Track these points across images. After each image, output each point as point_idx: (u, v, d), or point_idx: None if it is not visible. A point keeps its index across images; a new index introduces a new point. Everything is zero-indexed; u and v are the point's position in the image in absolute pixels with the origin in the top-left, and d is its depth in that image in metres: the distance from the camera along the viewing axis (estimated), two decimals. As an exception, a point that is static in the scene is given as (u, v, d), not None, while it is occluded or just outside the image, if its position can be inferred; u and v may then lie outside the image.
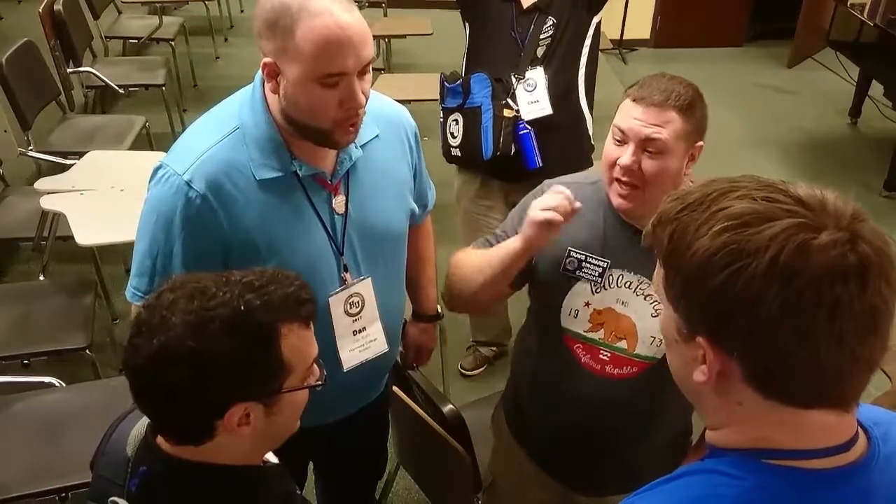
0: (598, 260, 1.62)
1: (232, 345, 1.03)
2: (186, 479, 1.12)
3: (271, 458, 1.29)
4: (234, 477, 1.14)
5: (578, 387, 1.66)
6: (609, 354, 1.63)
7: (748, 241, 0.77)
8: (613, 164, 1.54)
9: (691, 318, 0.83)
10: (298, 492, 1.27)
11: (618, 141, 1.54)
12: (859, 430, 0.87)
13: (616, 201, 1.57)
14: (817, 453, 0.83)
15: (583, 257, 1.63)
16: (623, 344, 1.62)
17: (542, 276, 1.68)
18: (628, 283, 1.61)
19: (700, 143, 1.55)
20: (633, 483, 1.76)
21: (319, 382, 1.17)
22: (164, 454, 1.13)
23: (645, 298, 1.60)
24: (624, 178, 1.53)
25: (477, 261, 1.70)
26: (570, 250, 1.64)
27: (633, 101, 1.51)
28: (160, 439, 1.14)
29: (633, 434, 1.72)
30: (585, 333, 1.64)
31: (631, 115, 1.51)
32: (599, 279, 1.62)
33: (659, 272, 0.88)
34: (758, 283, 0.76)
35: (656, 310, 1.59)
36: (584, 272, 1.63)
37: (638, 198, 1.54)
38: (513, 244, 1.59)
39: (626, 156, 1.51)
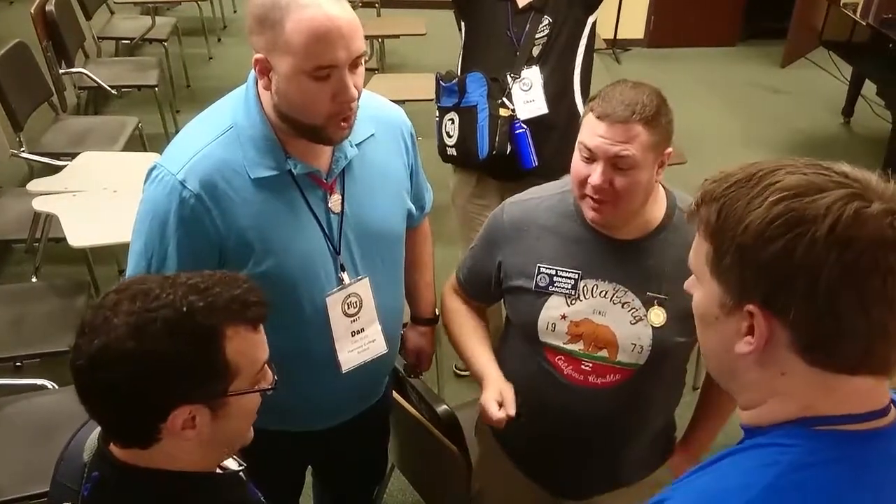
0: (569, 272, 1.61)
1: (172, 346, 1.03)
2: (135, 484, 1.11)
3: (231, 465, 1.27)
4: (184, 483, 1.13)
5: (562, 398, 1.65)
6: (591, 364, 1.61)
7: (805, 209, 0.81)
8: (584, 182, 1.52)
9: (744, 286, 0.86)
10: (261, 499, 1.26)
11: (585, 158, 1.52)
12: None
13: (590, 215, 1.56)
14: (859, 418, 0.87)
15: (553, 272, 1.62)
16: (604, 353, 1.61)
17: (516, 294, 1.67)
18: (603, 293, 1.60)
19: (669, 149, 1.53)
20: (618, 483, 1.78)
21: (269, 387, 1.15)
22: (114, 459, 1.12)
23: (623, 306, 1.59)
24: (596, 196, 1.51)
25: (458, 334, 1.82)
26: (539, 266, 1.63)
27: (598, 117, 1.48)
28: (112, 445, 1.13)
29: (619, 438, 1.71)
30: (565, 346, 1.62)
31: (596, 133, 1.49)
32: (573, 291, 1.60)
33: (700, 250, 0.91)
34: (818, 248, 0.80)
35: (634, 317, 1.58)
36: (557, 286, 1.61)
37: (610, 211, 1.53)
38: (476, 368, 1.73)
39: (596, 175, 1.49)
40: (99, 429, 1.18)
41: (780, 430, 0.88)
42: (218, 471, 1.21)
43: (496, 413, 1.61)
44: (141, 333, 1.02)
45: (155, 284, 1.07)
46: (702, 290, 0.93)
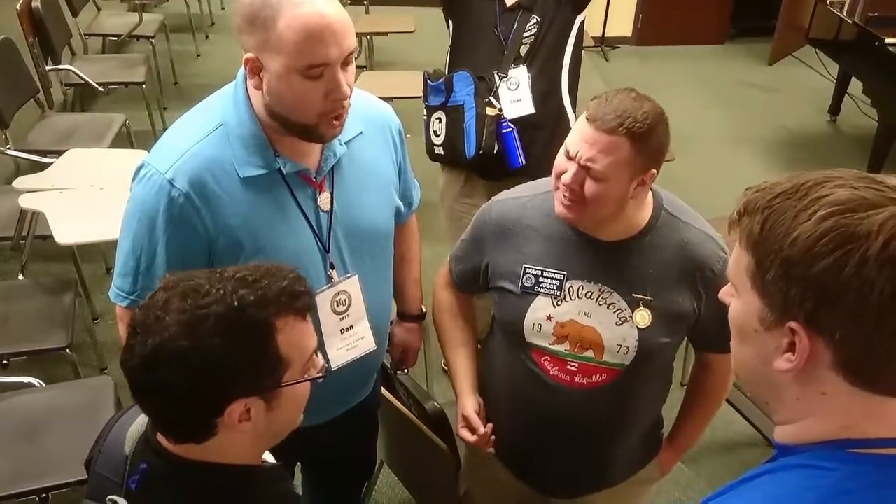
0: (555, 273, 1.61)
1: (227, 341, 1.02)
2: (187, 477, 1.12)
3: (269, 458, 1.28)
4: (235, 476, 1.14)
5: (549, 399, 1.65)
6: (577, 365, 1.62)
7: (857, 225, 0.78)
8: (559, 177, 1.53)
9: (788, 302, 0.82)
10: (298, 493, 1.27)
11: (566, 154, 1.52)
12: None
13: (558, 208, 1.56)
14: None
15: (539, 272, 1.62)
16: (590, 353, 1.61)
17: (502, 295, 1.67)
18: (589, 294, 1.60)
19: (653, 171, 1.50)
20: (606, 481, 1.80)
21: (321, 374, 1.16)
22: (165, 452, 1.12)
23: (608, 307, 1.59)
24: (566, 193, 1.52)
25: (443, 342, 1.87)
26: (525, 267, 1.63)
27: (587, 118, 1.47)
28: (161, 437, 1.13)
29: (607, 437, 1.72)
30: (551, 346, 1.63)
31: (580, 136, 1.48)
32: (559, 292, 1.61)
33: (741, 261, 0.88)
34: (868, 267, 0.77)
35: (620, 318, 1.59)
36: (542, 287, 1.62)
37: (579, 211, 1.53)
38: (453, 382, 1.79)
39: (568, 174, 1.50)
40: (139, 420, 1.18)
41: (818, 450, 0.85)
42: (262, 463, 1.22)
43: (470, 438, 1.70)
44: (194, 331, 1.02)
45: (204, 280, 1.07)
46: (740, 301, 0.89)
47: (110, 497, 1.12)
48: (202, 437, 1.09)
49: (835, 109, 5.93)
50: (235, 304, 1.04)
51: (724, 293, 0.94)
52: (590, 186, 1.48)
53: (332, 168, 1.58)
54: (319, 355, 1.17)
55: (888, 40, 4.63)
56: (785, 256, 0.81)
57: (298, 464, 2.04)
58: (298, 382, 1.12)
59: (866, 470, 0.83)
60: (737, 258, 0.89)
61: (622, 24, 7.31)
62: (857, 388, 0.82)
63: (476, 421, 1.70)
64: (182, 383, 1.03)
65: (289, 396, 1.11)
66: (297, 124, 1.45)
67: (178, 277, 1.09)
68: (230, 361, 1.03)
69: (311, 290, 1.13)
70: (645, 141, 1.44)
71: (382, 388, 2.06)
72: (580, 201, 1.50)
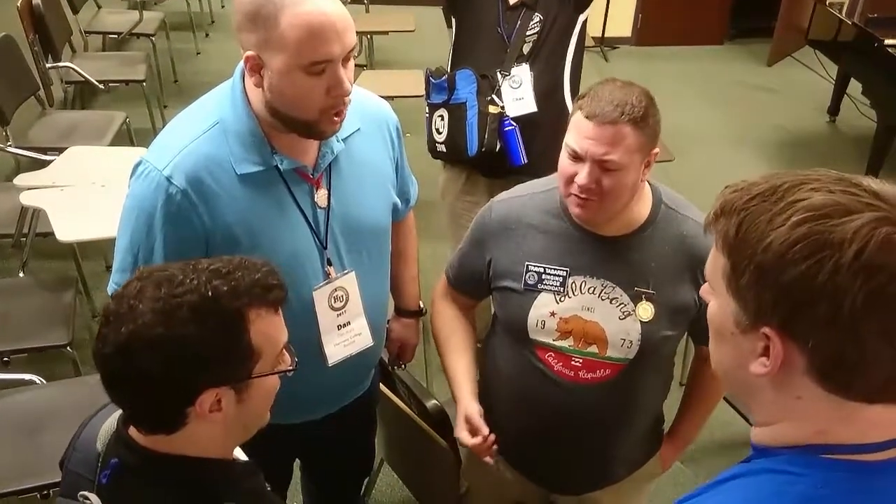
0: (558, 269, 1.62)
1: (200, 330, 1.04)
2: (157, 469, 1.12)
3: (240, 455, 1.29)
4: (205, 469, 1.14)
5: (553, 394, 1.66)
6: (581, 360, 1.63)
7: (831, 232, 0.77)
8: (570, 181, 1.53)
9: (761, 308, 0.82)
10: (268, 488, 1.28)
11: (572, 157, 1.52)
12: None
13: (575, 212, 1.57)
14: (876, 447, 0.83)
15: (542, 269, 1.63)
16: (594, 349, 1.62)
17: (504, 294, 1.68)
18: (591, 289, 1.61)
19: (656, 150, 1.54)
20: (609, 478, 1.80)
21: (290, 368, 1.18)
22: (135, 445, 1.13)
23: (611, 302, 1.60)
24: (583, 196, 1.52)
25: (442, 354, 1.84)
26: (528, 264, 1.64)
27: (586, 117, 1.48)
28: (133, 431, 1.14)
29: (610, 433, 1.72)
30: (554, 342, 1.63)
31: (583, 135, 1.49)
32: (562, 288, 1.61)
33: (717, 263, 0.87)
34: (841, 275, 0.76)
35: (623, 312, 1.60)
36: (545, 284, 1.62)
37: (595, 209, 1.54)
38: (455, 388, 1.76)
39: (582, 175, 1.50)
40: (112, 418, 1.19)
41: (792, 453, 0.85)
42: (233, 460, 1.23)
43: (470, 441, 1.68)
44: (169, 319, 1.03)
45: (177, 270, 1.08)
46: (717, 302, 0.89)
47: (82, 493, 1.13)
48: (173, 428, 1.10)
49: (834, 110, 5.93)
50: (209, 293, 1.05)
51: (704, 291, 0.93)
52: (607, 180, 1.49)
53: (330, 165, 1.58)
54: (289, 351, 1.18)
55: (887, 41, 4.63)
56: (758, 262, 0.81)
57: (298, 461, 2.05)
58: (268, 375, 1.13)
59: (838, 477, 0.82)
60: (713, 259, 0.88)
61: (622, 24, 7.31)
62: (831, 394, 0.82)
63: (480, 422, 1.69)
64: (155, 371, 1.03)
65: (259, 389, 1.12)
66: (298, 121, 1.46)
67: (152, 269, 1.11)
68: (203, 350, 1.05)
69: (282, 283, 1.14)
70: (644, 123, 1.48)
71: (383, 386, 2.07)
72: (598, 198, 1.51)
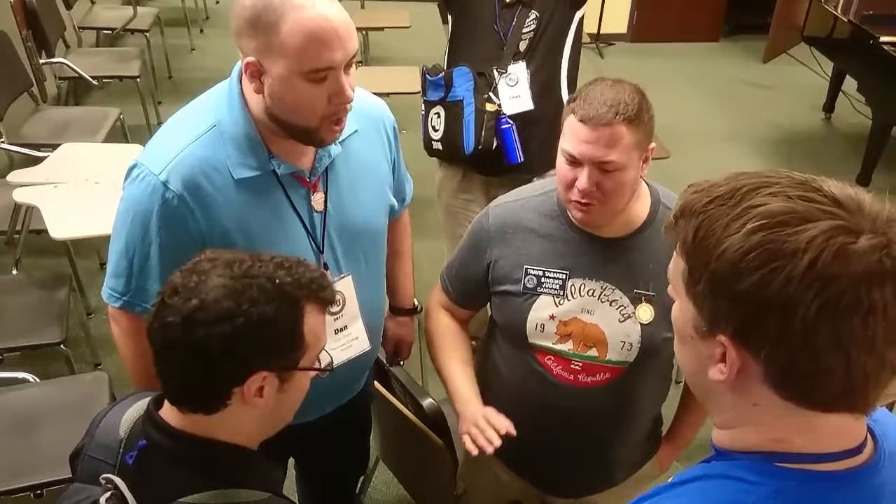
0: (557, 272, 1.61)
1: (266, 311, 1.08)
2: (187, 451, 1.14)
3: None
4: (234, 454, 1.16)
5: (553, 399, 1.65)
6: (581, 364, 1.62)
7: (785, 241, 0.76)
8: (570, 186, 1.51)
9: (716, 315, 0.81)
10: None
11: (570, 162, 1.51)
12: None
13: (577, 216, 1.56)
14: (832, 457, 0.83)
15: (541, 273, 1.62)
16: (594, 352, 1.61)
17: (504, 297, 1.67)
18: (591, 291, 1.60)
19: (652, 145, 1.53)
20: (608, 481, 1.79)
21: (329, 367, 1.23)
22: (166, 425, 1.15)
23: (611, 304, 1.59)
24: (584, 200, 1.51)
25: (439, 366, 1.80)
26: (526, 268, 1.63)
27: (581, 120, 1.46)
28: (164, 412, 1.16)
29: (609, 436, 1.72)
30: (554, 346, 1.63)
31: (579, 139, 1.47)
32: (561, 291, 1.61)
33: (678, 266, 0.86)
34: (794, 285, 0.75)
35: (623, 314, 1.59)
36: (545, 287, 1.61)
37: (597, 211, 1.53)
38: (455, 394, 1.71)
39: (583, 179, 1.48)
40: (134, 408, 1.22)
41: (749, 459, 0.85)
42: None
43: (473, 448, 1.61)
44: (238, 296, 1.08)
45: (245, 256, 1.14)
46: (678, 305, 0.89)
47: (104, 476, 1.13)
48: (215, 408, 1.12)
49: (829, 107, 5.94)
50: (276, 280, 1.11)
51: (669, 290, 0.92)
52: (608, 181, 1.48)
53: (327, 168, 1.57)
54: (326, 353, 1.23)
55: (882, 38, 4.64)
56: (713, 270, 0.80)
57: (292, 459, 2.04)
58: (310, 369, 1.18)
59: (790, 486, 0.82)
60: (674, 262, 0.88)
61: (617, 20, 7.31)
62: (788, 403, 0.82)
63: (502, 418, 1.61)
64: (215, 345, 1.07)
65: (297, 383, 1.17)
66: (298, 128, 1.44)
67: (219, 252, 1.16)
68: (265, 330, 1.09)
69: (333, 287, 1.19)
70: (639, 120, 1.47)
71: (379, 385, 2.06)
72: (599, 200, 1.50)
